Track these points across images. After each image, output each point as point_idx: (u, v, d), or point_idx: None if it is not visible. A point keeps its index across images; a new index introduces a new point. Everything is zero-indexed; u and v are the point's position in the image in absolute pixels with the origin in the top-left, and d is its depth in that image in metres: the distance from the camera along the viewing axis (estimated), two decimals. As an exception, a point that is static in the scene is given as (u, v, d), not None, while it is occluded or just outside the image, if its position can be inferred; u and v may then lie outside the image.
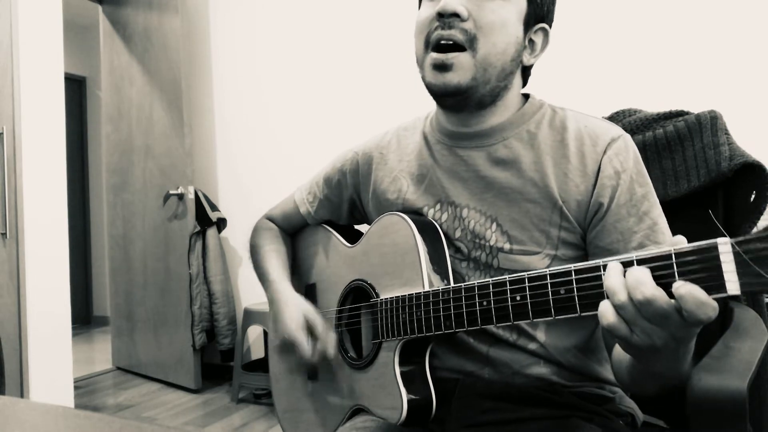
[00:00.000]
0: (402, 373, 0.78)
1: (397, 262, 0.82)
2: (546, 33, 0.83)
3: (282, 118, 2.90)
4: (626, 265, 0.53)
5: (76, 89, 4.81)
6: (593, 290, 0.56)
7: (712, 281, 0.48)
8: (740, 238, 0.46)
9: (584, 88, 2.16)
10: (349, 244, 0.95)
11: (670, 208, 0.81)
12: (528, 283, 0.62)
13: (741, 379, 0.62)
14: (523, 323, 0.78)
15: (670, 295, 0.50)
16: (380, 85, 2.62)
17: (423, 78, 0.80)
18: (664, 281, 0.51)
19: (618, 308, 0.53)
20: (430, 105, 0.90)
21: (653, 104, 1.26)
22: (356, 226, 1.07)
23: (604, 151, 0.76)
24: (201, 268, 2.84)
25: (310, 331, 0.91)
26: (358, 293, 0.92)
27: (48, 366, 2.25)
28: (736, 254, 0.46)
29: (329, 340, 0.90)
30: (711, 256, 0.48)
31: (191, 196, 2.81)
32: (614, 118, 1.19)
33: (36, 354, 2.21)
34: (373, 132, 1.01)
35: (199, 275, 2.82)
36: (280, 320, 0.93)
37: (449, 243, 0.82)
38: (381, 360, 0.82)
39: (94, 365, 3.43)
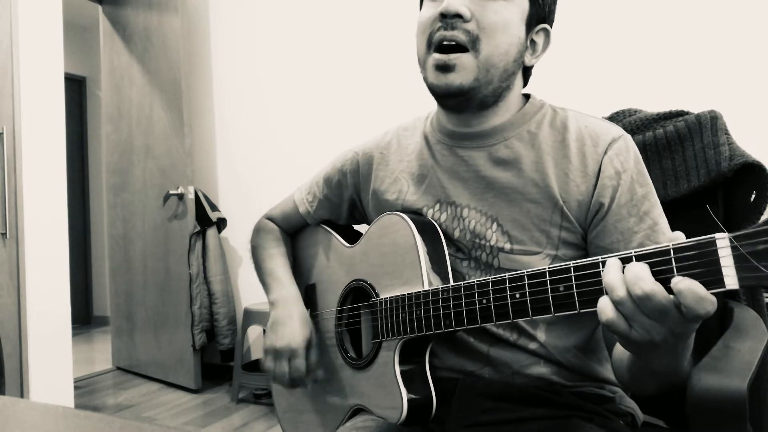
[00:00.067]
0: (402, 373, 0.78)
1: (397, 262, 0.82)
2: (547, 33, 0.83)
3: (282, 118, 2.90)
4: (625, 261, 0.54)
5: (76, 89, 4.81)
6: (592, 287, 0.56)
7: (711, 276, 0.48)
8: (738, 233, 0.46)
9: (584, 88, 2.16)
10: (348, 244, 0.95)
11: (670, 208, 0.81)
12: (527, 280, 0.62)
13: (741, 379, 0.62)
14: (523, 323, 0.78)
15: (669, 290, 0.50)
16: (380, 85, 2.62)
17: (425, 79, 0.80)
18: (662, 277, 0.51)
19: (617, 304, 0.53)
20: (431, 105, 0.90)
21: (653, 104, 1.26)
22: (356, 227, 1.07)
23: (605, 152, 0.76)
24: (201, 268, 2.84)
25: (308, 345, 0.93)
26: (358, 293, 0.92)
27: (48, 366, 2.25)
28: (734, 249, 0.46)
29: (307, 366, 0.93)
30: (709, 251, 0.48)
31: (191, 196, 2.81)
32: (614, 118, 1.19)
33: (36, 354, 2.21)
34: (373, 132, 1.01)
35: (199, 275, 2.82)
36: (290, 327, 0.93)
37: (449, 243, 0.82)
38: (381, 359, 0.82)
39: (94, 365, 3.43)
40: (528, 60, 0.82)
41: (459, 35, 0.75)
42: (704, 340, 0.67)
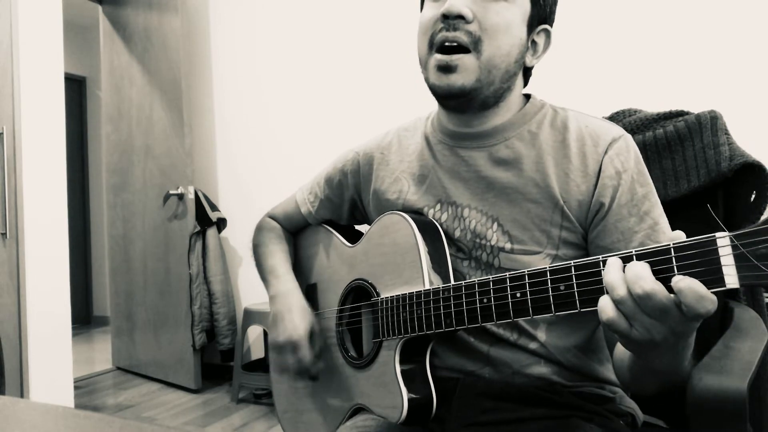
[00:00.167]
0: (402, 372, 0.78)
1: (398, 262, 0.82)
2: (548, 34, 0.83)
3: (282, 118, 2.90)
4: (626, 260, 0.54)
5: (76, 89, 4.81)
6: (593, 286, 0.56)
7: (711, 275, 0.48)
8: (738, 232, 0.46)
9: (584, 88, 2.16)
10: (349, 244, 0.95)
11: (670, 208, 0.81)
12: (528, 279, 0.62)
13: (741, 379, 0.62)
14: (523, 323, 0.78)
15: (670, 289, 0.50)
16: (381, 85, 2.62)
17: (426, 79, 0.80)
18: (663, 276, 0.51)
19: (617, 303, 0.53)
20: (431, 105, 0.90)
21: (653, 104, 1.26)
22: (357, 227, 1.07)
23: (605, 151, 0.76)
24: (201, 268, 2.84)
25: (310, 336, 0.92)
26: (359, 293, 0.92)
27: (48, 366, 2.25)
28: (734, 248, 0.47)
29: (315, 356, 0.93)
30: (709, 250, 0.48)
31: (191, 196, 2.81)
32: (614, 118, 1.19)
33: (36, 354, 2.21)
34: (374, 132, 1.01)
35: (199, 275, 2.82)
36: (289, 320, 0.93)
37: (450, 243, 0.82)
38: (381, 359, 0.82)
39: (94, 365, 3.43)
40: (529, 61, 0.82)
41: (461, 36, 0.75)
42: (704, 340, 0.67)
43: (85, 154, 4.91)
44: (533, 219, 0.78)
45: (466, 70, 0.76)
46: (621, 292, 0.52)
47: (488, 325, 0.75)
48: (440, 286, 0.73)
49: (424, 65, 0.80)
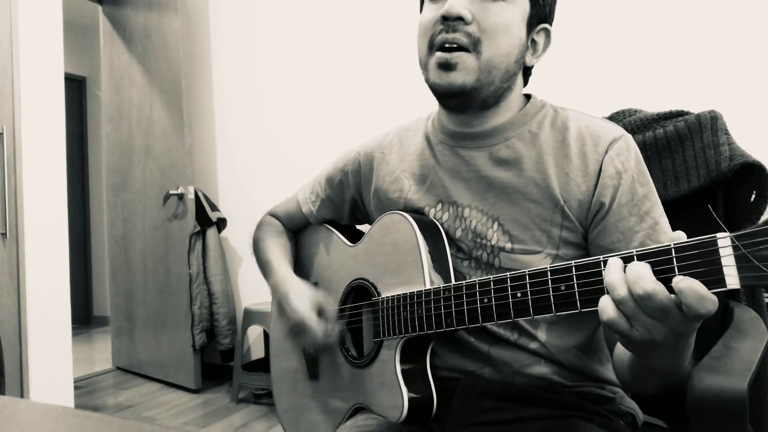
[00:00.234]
0: (403, 372, 0.78)
1: (399, 261, 0.82)
2: (548, 33, 0.83)
3: (282, 118, 2.90)
4: (626, 260, 0.54)
5: (76, 89, 4.81)
6: (593, 286, 0.56)
7: (712, 275, 0.48)
8: (739, 233, 0.46)
9: (584, 88, 2.16)
10: (350, 243, 0.95)
11: (670, 208, 0.81)
12: (529, 279, 0.62)
13: (741, 379, 0.62)
14: (524, 322, 0.78)
15: (670, 289, 0.50)
16: (381, 85, 2.62)
17: (427, 80, 0.80)
18: (664, 276, 0.51)
19: (618, 303, 0.53)
20: (431, 106, 0.90)
21: (653, 104, 1.26)
22: (358, 227, 1.07)
23: (606, 151, 0.76)
24: (201, 268, 2.84)
25: (319, 312, 0.89)
26: (360, 292, 0.92)
27: (48, 366, 2.25)
28: (735, 248, 0.47)
29: (336, 325, 0.89)
30: (710, 251, 0.48)
31: (191, 196, 2.81)
32: (614, 118, 1.19)
33: (36, 354, 2.21)
34: (374, 132, 1.01)
35: (199, 275, 2.82)
36: (289, 303, 0.90)
37: (451, 242, 0.82)
38: (382, 358, 0.82)
39: (94, 365, 3.43)
40: (529, 60, 0.82)
41: (460, 38, 0.75)
42: (704, 340, 0.67)
43: (85, 154, 4.91)
44: (534, 219, 0.78)
45: (466, 69, 0.76)
46: (622, 292, 0.52)
47: (488, 324, 0.75)
48: (441, 285, 0.73)
49: (424, 66, 0.80)
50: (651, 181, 0.77)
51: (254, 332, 2.91)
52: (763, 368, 0.89)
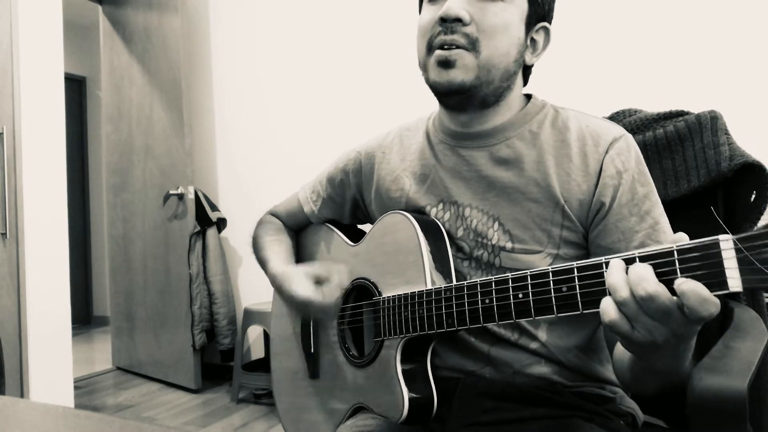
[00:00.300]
0: (403, 372, 0.78)
1: (400, 261, 0.82)
2: (547, 32, 0.83)
3: (282, 118, 2.90)
4: (628, 262, 0.53)
5: (76, 89, 4.81)
6: (595, 287, 0.56)
7: (714, 278, 0.48)
8: (742, 235, 0.46)
9: (584, 88, 2.16)
10: (352, 243, 0.95)
11: (670, 208, 0.81)
12: (530, 280, 0.62)
13: (741, 379, 0.62)
14: (524, 322, 0.78)
15: (672, 291, 0.50)
16: (381, 85, 2.62)
17: (427, 80, 0.80)
18: (666, 278, 0.51)
19: (620, 305, 0.53)
20: (431, 106, 0.90)
21: (653, 104, 1.26)
22: (359, 226, 1.07)
23: (606, 151, 0.76)
24: (201, 268, 2.84)
25: (318, 282, 0.87)
26: (361, 292, 0.92)
27: (48, 366, 2.25)
28: (737, 251, 0.46)
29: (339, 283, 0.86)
30: (713, 253, 0.48)
31: (191, 196, 2.81)
32: (614, 118, 1.19)
33: (36, 354, 2.21)
34: (374, 132, 1.01)
35: (199, 275, 2.82)
36: (288, 290, 0.89)
37: (451, 242, 0.82)
38: (382, 358, 0.82)
39: (94, 365, 3.43)
40: (529, 59, 0.82)
41: (459, 39, 0.75)
42: (704, 340, 0.67)
43: (85, 154, 4.91)
44: (534, 218, 0.78)
45: (465, 66, 0.76)
46: (624, 293, 0.52)
47: (489, 325, 0.75)
48: (442, 286, 0.73)
49: (423, 67, 0.81)
50: (651, 180, 0.77)
51: (254, 332, 2.91)
52: (763, 368, 0.89)
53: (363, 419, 0.85)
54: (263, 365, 2.74)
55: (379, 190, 0.93)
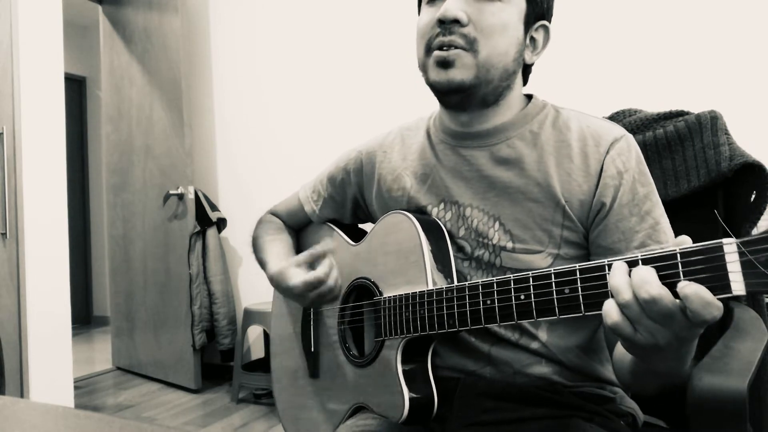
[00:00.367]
0: (404, 372, 0.78)
1: (401, 261, 0.82)
2: (547, 30, 0.83)
3: (282, 118, 2.90)
4: (631, 264, 0.53)
5: (76, 89, 4.81)
6: (598, 290, 0.56)
7: (717, 281, 0.48)
8: (746, 239, 0.46)
9: (584, 88, 2.16)
10: (353, 242, 0.95)
11: (670, 208, 0.81)
12: (532, 282, 0.62)
13: (741, 379, 0.62)
14: (525, 323, 0.78)
15: (675, 294, 0.50)
16: (381, 85, 2.62)
17: (426, 80, 0.81)
18: (668, 281, 0.51)
19: (623, 307, 0.53)
20: (432, 106, 0.90)
21: (653, 104, 1.26)
22: (360, 226, 1.07)
23: (607, 151, 0.76)
24: (201, 268, 2.84)
25: (311, 265, 0.88)
26: (362, 291, 0.92)
27: (48, 366, 2.25)
28: (741, 255, 0.46)
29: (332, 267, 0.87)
30: (716, 257, 0.48)
31: (191, 196, 2.81)
32: (614, 118, 1.19)
33: (36, 354, 2.21)
34: (374, 132, 1.01)
35: (199, 275, 2.82)
36: (284, 285, 0.89)
37: (452, 242, 0.82)
38: (383, 358, 0.82)
39: (94, 365, 3.43)
40: (528, 58, 0.82)
41: (457, 40, 0.75)
42: (704, 340, 0.67)
43: (85, 154, 4.91)
44: (535, 218, 0.78)
45: (464, 66, 0.76)
46: (626, 296, 0.52)
47: (490, 325, 0.75)
48: (443, 286, 0.73)
49: (423, 68, 0.81)
50: (652, 181, 0.77)
51: (254, 332, 2.91)
52: (763, 368, 0.89)
53: (363, 419, 0.85)
54: (263, 365, 2.74)
55: (381, 190, 0.93)
